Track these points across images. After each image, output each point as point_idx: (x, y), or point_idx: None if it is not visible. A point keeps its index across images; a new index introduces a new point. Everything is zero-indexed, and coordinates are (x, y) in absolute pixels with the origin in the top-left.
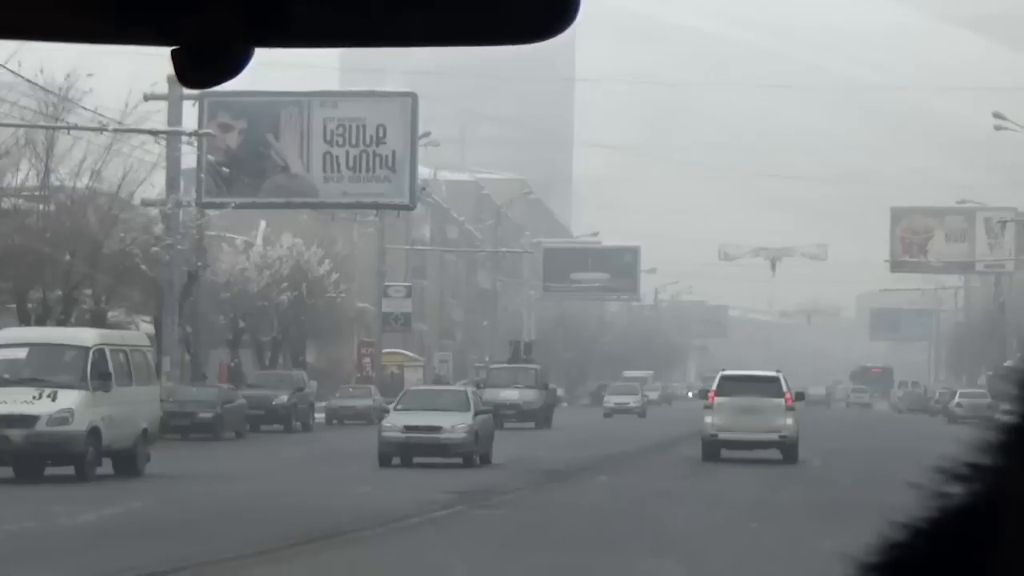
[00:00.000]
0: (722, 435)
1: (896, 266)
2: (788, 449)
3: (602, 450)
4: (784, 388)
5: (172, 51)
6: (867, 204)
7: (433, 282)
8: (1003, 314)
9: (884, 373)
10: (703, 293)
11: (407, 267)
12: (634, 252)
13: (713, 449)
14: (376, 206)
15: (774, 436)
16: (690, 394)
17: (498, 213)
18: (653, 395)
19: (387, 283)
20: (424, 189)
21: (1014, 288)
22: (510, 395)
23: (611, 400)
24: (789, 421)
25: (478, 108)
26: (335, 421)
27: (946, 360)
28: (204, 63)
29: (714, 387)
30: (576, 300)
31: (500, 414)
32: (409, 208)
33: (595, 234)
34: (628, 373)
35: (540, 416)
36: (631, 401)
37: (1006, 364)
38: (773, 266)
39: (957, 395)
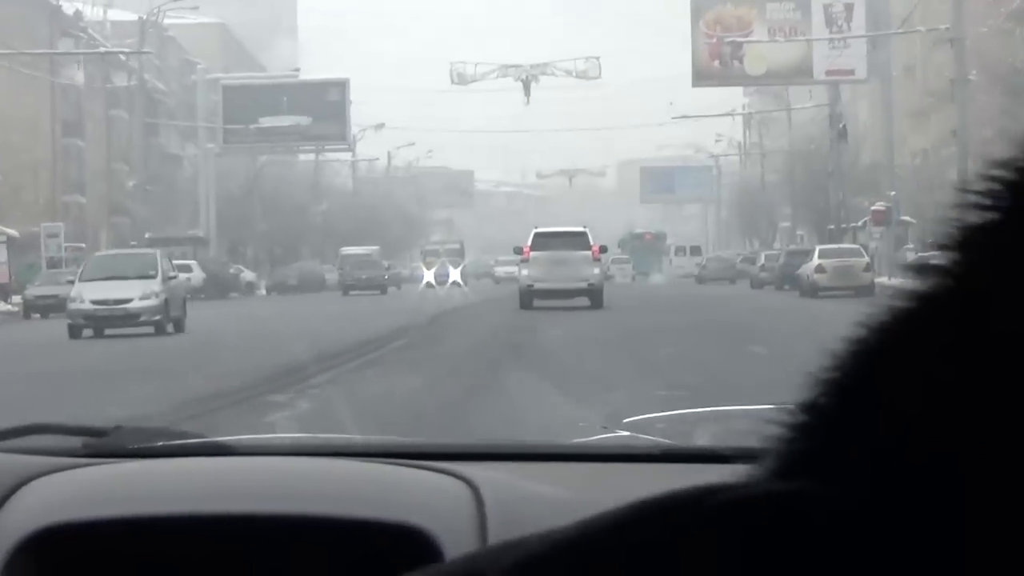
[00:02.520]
0: (537, 285)
1: (700, 78)
2: (595, 295)
3: None
4: (590, 242)
5: None
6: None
7: (95, 144)
8: (842, 144)
9: (657, 239)
10: (444, 159)
11: (54, 122)
12: (341, 87)
13: (528, 298)
14: None
15: (583, 284)
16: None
17: (161, 37)
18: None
19: None
20: None
21: (854, 109)
22: None
23: (84, 296)
24: (596, 271)
25: None
26: None
27: (728, 221)
28: None
29: (528, 243)
30: (268, 152)
31: None
32: None
33: (296, 70)
34: (347, 249)
35: None
36: (136, 296)
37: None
38: (526, 88)
39: (816, 255)
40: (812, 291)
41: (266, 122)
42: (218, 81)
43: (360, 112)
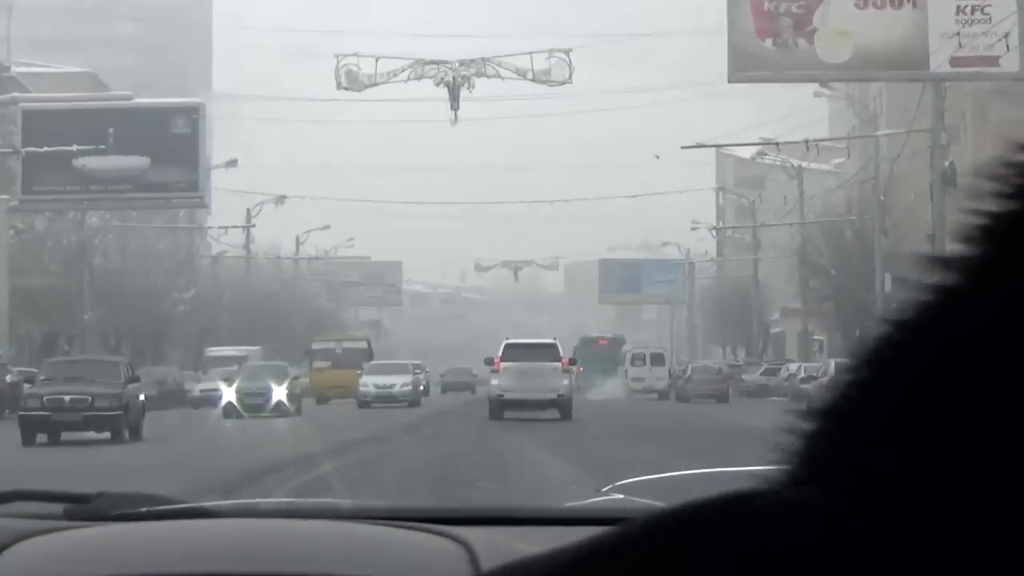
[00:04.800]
0: (507, 395)
1: (741, 68)
2: (564, 406)
3: None
4: (560, 353)
5: None
6: None
7: None
8: (948, 190)
9: (613, 344)
10: (365, 247)
11: None
12: (191, 115)
13: (498, 408)
14: None
15: (553, 395)
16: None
17: None
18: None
19: None
20: None
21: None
22: None
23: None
24: (565, 381)
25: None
26: None
27: (702, 325)
28: None
29: (499, 354)
30: (92, 208)
31: None
32: None
33: (127, 97)
34: (214, 351)
35: None
36: None
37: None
38: (453, 96)
39: None
40: None
41: (88, 164)
42: (15, 100)
43: (253, 180)
